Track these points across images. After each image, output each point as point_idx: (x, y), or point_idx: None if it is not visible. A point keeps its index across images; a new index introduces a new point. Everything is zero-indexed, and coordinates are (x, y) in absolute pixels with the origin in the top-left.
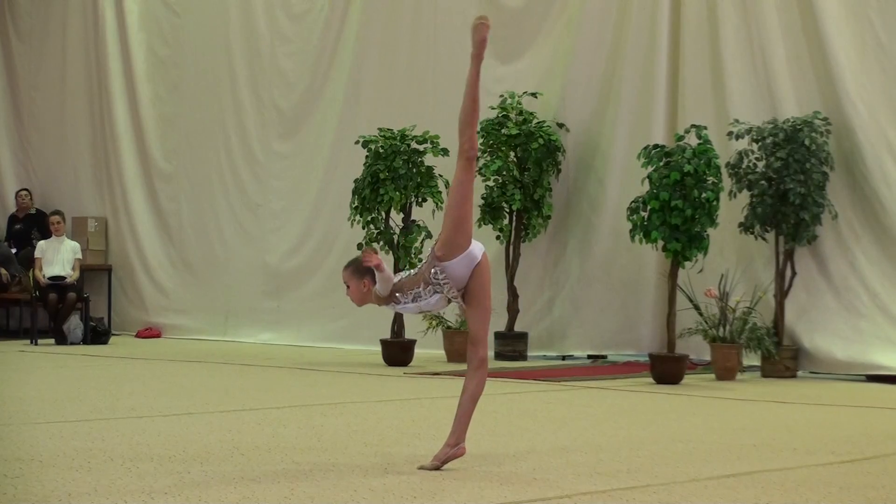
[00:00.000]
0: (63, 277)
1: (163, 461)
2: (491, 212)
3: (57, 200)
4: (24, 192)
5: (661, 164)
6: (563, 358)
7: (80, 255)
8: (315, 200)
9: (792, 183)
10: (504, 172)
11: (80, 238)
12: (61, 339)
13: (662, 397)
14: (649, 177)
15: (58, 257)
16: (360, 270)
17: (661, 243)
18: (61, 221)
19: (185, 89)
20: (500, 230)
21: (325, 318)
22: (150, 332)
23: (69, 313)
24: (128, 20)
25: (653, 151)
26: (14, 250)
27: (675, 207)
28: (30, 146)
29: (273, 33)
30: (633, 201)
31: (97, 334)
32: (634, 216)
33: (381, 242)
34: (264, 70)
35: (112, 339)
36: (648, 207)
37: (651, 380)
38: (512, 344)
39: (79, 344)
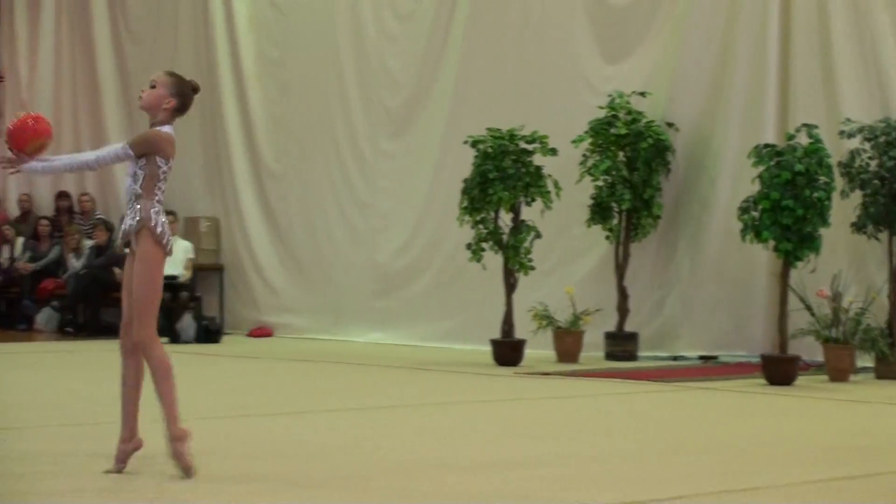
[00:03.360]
0: (175, 277)
1: (272, 458)
2: (600, 212)
3: (169, 200)
4: None
5: (772, 163)
6: (674, 358)
7: (192, 255)
8: (423, 200)
9: None
10: (613, 172)
11: (192, 238)
12: (174, 338)
13: (774, 399)
14: (760, 176)
15: (170, 257)
16: (182, 88)
17: (772, 243)
18: (174, 221)
19: (294, 90)
20: (610, 230)
21: (434, 318)
22: (261, 331)
23: (182, 312)
24: (237, 22)
25: (763, 151)
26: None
27: (787, 207)
28: None
29: (380, 33)
30: (743, 201)
31: (209, 333)
32: (745, 216)
33: (491, 242)
34: (372, 70)
35: (224, 338)
36: (759, 207)
37: (763, 381)
38: (622, 344)
39: (191, 343)
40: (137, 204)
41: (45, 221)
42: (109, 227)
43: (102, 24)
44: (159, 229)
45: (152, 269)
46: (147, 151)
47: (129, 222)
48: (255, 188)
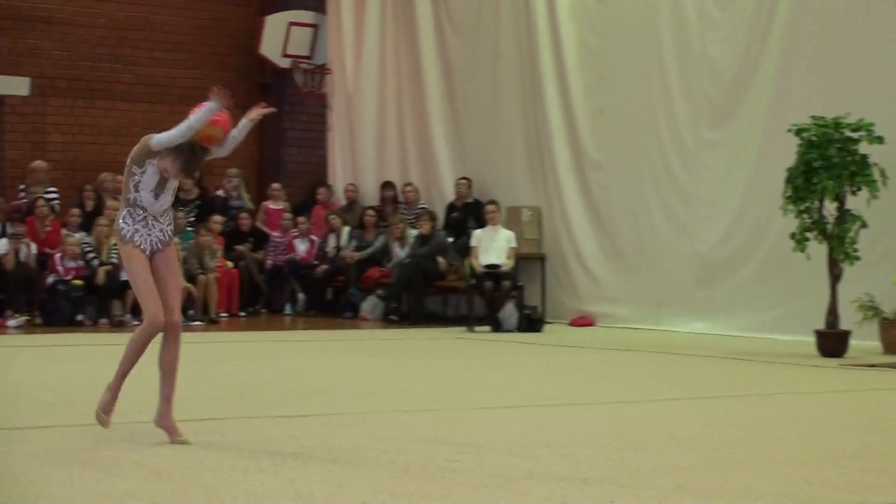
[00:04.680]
0: (498, 266)
1: (598, 448)
2: None
3: (492, 190)
4: (462, 182)
5: None
6: None
7: (514, 244)
8: (746, 189)
9: None
10: None
11: (514, 227)
12: (496, 327)
13: None
14: None
15: (493, 246)
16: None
17: None
18: (496, 210)
19: (615, 79)
20: None
21: (757, 308)
22: (583, 321)
23: (504, 301)
24: (558, 11)
25: None
26: (451, 239)
27: None
28: (465, 136)
29: (702, 20)
30: None
31: (531, 322)
32: None
33: (815, 232)
34: (693, 58)
35: (545, 327)
36: None
37: None
38: None
39: (513, 331)
40: (169, 215)
41: (370, 211)
42: (433, 217)
43: (426, 16)
44: None
45: None
46: None
47: (168, 231)
48: (577, 178)
